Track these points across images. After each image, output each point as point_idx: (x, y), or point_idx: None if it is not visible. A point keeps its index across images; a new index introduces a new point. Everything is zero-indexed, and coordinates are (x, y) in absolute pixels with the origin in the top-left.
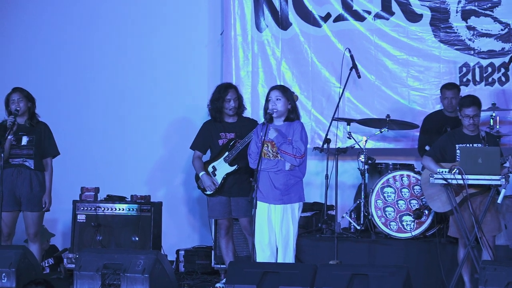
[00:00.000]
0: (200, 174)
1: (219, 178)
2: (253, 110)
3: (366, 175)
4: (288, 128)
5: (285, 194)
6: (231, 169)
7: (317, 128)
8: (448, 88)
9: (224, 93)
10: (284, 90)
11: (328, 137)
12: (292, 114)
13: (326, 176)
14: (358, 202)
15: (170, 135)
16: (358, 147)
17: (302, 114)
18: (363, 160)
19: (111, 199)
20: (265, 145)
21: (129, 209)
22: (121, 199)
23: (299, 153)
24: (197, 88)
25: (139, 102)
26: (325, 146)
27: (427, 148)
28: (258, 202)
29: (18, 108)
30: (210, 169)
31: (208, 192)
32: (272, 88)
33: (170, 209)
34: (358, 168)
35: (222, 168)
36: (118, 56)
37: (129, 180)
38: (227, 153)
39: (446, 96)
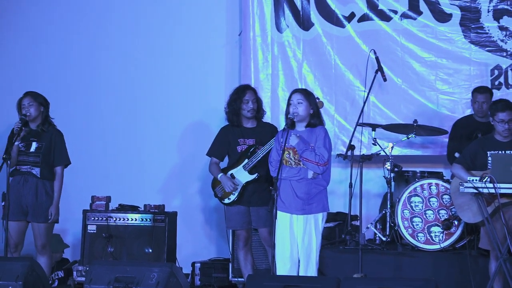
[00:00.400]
0: (219, 176)
1: (238, 186)
2: (273, 115)
3: (392, 183)
4: (310, 134)
5: (308, 204)
6: (251, 177)
7: (340, 134)
8: (480, 91)
9: (242, 93)
10: (307, 94)
11: (352, 143)
12: (314, 119)
13: (350, 184)
14: (383, 212)
15: (185, 141)
16: (384, 154)
17: (325, 119)
18: (389, 167)
19: (123, 208)
20: (286, 152)
21: (142, 219)
22: (133, 209)
23: (323, 160)
24: (214, 92)
25: (153, 106)
26: (349, 153)
27: (456, 155)
28: (279, 212)
29: (28, 113)
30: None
31: (226, 201)
32: (294, 91)
33: (185, 219)
34: (384, 176)
35: (241, 176)
36: (131, 59)
37: (142, 188)
38: (246, 161)
39: (477, 100)
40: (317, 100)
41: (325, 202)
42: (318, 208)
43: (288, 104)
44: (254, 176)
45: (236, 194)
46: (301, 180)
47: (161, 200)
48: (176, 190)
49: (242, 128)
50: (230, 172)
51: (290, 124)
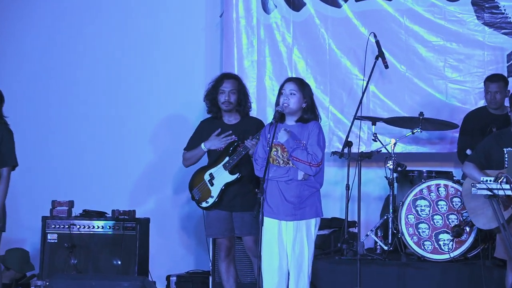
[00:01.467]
0: (202, 145)
1: (217, 188)
2: (259, 107)
3: (395, 185)
4: (302, 129)
5: (299, 208)
6: (231, 178)
7: (336, 129)
8: (492, 80)
9: (220, 82)
10: (302, 85)
11: (349, 139)
12: (308, 114)
13: (347, 186)
14: (385, 217)
15: (160, 137)
16: (386, 151)
17: (320, 111)
18: (391, 167)
19: (88, 215)
20: (274, 149)
21: (110, 227)
22: (100, 215)
23: (316, 160)
24: (193, 81)
25: (123, 99)
26: (346, 150)
27: (468, 152)
28: (265, 218)
29: None
30: (207, 176)
31: (204, 205)
32: (288, 80)
33: (159, 226)
34: (386, 177)
35: (221, 177)
36: (98, 47)
37: (109, 192)
38: (227, 159)
39: (490, 90)
40: None
41: (318, 206)
42: (310, 213)
43: (279, 94)
44: (236, 176)
45: (216, 196)
46: (291, 181)
47: (132, 204)
48: (149, 193)
49: (222, 124)
50: (209, 171)
51: (279, 117)
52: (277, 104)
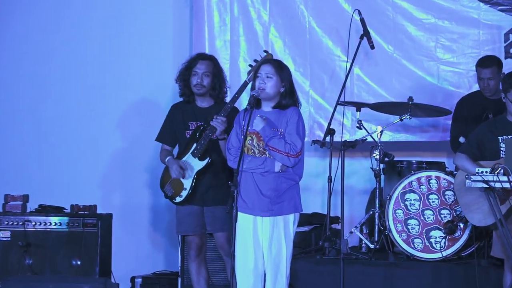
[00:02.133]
0: (166, 159)
1: (189, 179)
2: (233, 91)
3: (382, 176)
4: (279, 116)
5: (276, 203)
6: (201, 164)
7: (316, 116)
8: (484, 65)
9: (193, 63)
10: (280, 67)
11: (331, 127)
12: (286, 100)
13: (329, 178)
14: (371, 212)
15: (126, 123)
16: (371, 140)
17: (299, 96)
18: (377, 157)
19: (44, 210)
20: (249, 138)
21: (68, 224)
22: (57, 210)
23: (294, 150)
24: (159, 63)
25: (86, 82)
26: (328, 139)
27: (461, 140)
28: (239, 213)
29: None
30: None
31: (177, 199)
32: (264, 62)
33: (125, 222)
34: (371, 168)
35: (191, 166)
36: (56, 27)
37: (68, 184)
38: (195, 145)
39: (482, 77)
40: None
41: (297, 201)
42: (288, 208)
43: (255, 77)
44: (206, 161)
45: (188, 188)
46: (267, 173)
47: (94, 199)
48: (115, 186)
49: (194, 107)
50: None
51: (254, 102)
52: (252, 88)
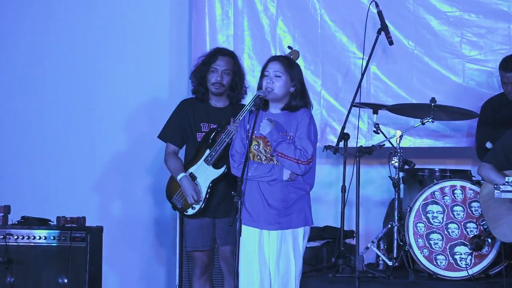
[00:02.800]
0: (179, 177)
1: (202, 189)
2: None
3: (402, 186)
4: (288, 119)
5: (284, 215)
6: (218, 173)
7: (329, 118)
8: (507, 68)
9: (213, 58)
10: (289, 65)
11: (345, 131)
12: (296, 101)
13: (343, 188)
14: (389, 226)
15: (118, 126)
16: (390, 145)
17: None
18: (396, 164)
19: (27, 222)
20: (255, 143)
21: (54, 238)
22: (42, 223)
23: (305, 157)
24: (155, 58)
25: (74, 79)
26: (342, 144)
27: (488, 145)
28: (243, 226)
29: None
30: None
31: (189, 212)
32: (272, 59)
33: (116, 236)
34: (390, 177)
35: (205, 174)
36: (45, 27)
37: (54, 194)
38: (208, 151)
39: (505, 81)
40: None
41: (308, 213)
42: (298, 220)
43: (262, 76)
44: (222, 170)
45: (202, 199)
46: (274, 182)
47: (82, 210)
48: (104, 196)
49: (208, 107)
50: (188, 171)
51: (261, 104)
52: (259, 88)
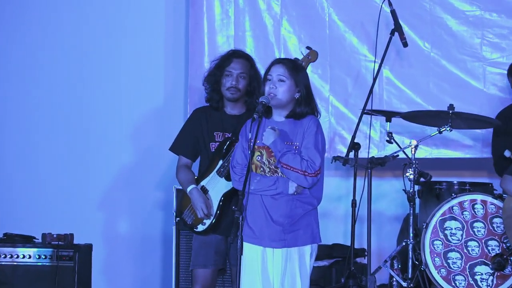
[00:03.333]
0: (189, 189)
1: (213, 203)
2: None
3: (417, 200)
4: (294, 127)
5: (290, 232)
6: (229, 186)
7: (338, 127)
8: None
9: (227, 61)
10: (294, 69)
11: (356, 140)
12: (301, 107)
13: (353, 202)
14: (404, 244)
15: (108, 136)
16: (404, 156)
17: (317, 103)
18: (411, 177)
19: (10, 240)
20: (258, 153)
21: (40, 256)
22: (26, 240)
23: (312, 168)
24: (149, 62)
25: (60, 89)
26: (352, 154)
27: (507, 154)
28: (245, 243)
29: None
30: None
31: (199, 228)
32: (276, 62)
33: (107, 254)
34: (404, 190)
35: (217, 187)
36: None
37: (39, 209)
38: (221, 162)
39: None
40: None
41: (315, 230)
42: (304, 238)
43: (264, 80)
44: None
45: (213, 214)
46: (279, 196)
47: (70, 226)
48: (93, 210)
49: (223, 115)
50: (200, 185)
51: (263, 111)
52: (261, 93)
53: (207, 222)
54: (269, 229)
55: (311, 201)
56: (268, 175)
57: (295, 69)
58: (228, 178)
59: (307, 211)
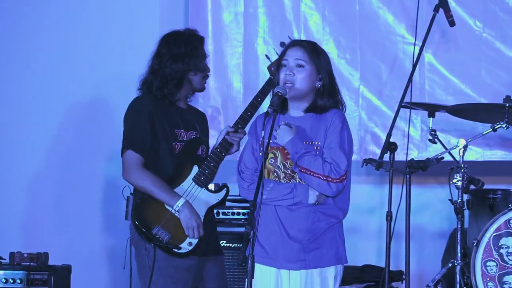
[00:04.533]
0: (179, 203)
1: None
2: (246, 86)
3: (466, 213)
4: (314, 123)
5: (310, 250)
6: (217, 197)
7: (370, 123)
8: None
9: (200, 42)
10: (315, 52)
11: (392, 139)
12: (323, 99)
13: (389, 215)
14: (450, 265)
15: (85, 131)
16: (451, 158)
17: (344, 94)
18: (459, 184)
19: None
20: (271, 155)
21: (7, 280)
22: None
23: (337, 173)
24: (143, 41)
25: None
26: (387, 157)
27: None
28: (257, 265)
29: None
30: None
31: (183, 249)
32: (292, 45)
33: (88, 275)
34: (451, 200)
35: (198, 199)
36: None
37: (6, 226)
38: (196, 169)
39: None
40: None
41: (341, 248)
42: (328, 257)
43: (279, 66)
44: (223, 194)
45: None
46: (297, 207)
47: (44, 244)
48: (72, 225)
49: (179, 110)
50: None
51: (279, 103)
52: (274, 83)
53: (194, 242)
54: (284, 247)
55: (335, 213)
56: (283, 181)
57: (316, 52)
58: (213, 188)
59: (330, 225)
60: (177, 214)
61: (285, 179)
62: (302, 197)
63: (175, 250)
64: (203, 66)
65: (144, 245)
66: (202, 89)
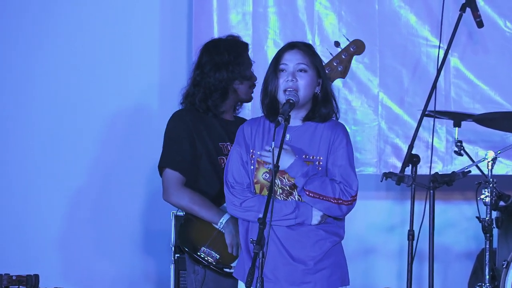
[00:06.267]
0: (224, 220)
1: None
2: (255, 91)
3: (495, 231)
4: (314, 134)
5: (314, 272)
6: None
7: (390, 133)
8: None
9: (244, 49)
10: (313, 55)
11: (414, 151)
12: (324, 107)
13: (411, 234)
14: None
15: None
16: (478, 172)
17: (363, 102)
18: (488, 199)
19: None
20: (265, 170)
21: None
22: None
23: (348, 194)
24: (142, 51)
25: (35, 83)
26: (408, 170)
27: None
28: None
29: None
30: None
31: (232, 268)
32: (289, 47)
33: None
34: (478, 218)
35: None
36: None
37: (2, 240)
38: None
39: None
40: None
41: (345, 269)
42: (334, 279)
43: (276, 71)
44: None
45: None
46: (299, 226)
47: (35, 266)
48: (65, 245)
49: (222, 122)
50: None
51: (290, 111)
52: (269, 90)
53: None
54: (286, 269)
55: (337, 231)
56: (279, 198)
57: (314, 54)
58: None
59: (334, 244)
60: (223, 231)
61: (282, 195)
62: (306, 217)
63: (226, 269)
64: (249, 74)
65: (193, 268)
66: (249, 99)
